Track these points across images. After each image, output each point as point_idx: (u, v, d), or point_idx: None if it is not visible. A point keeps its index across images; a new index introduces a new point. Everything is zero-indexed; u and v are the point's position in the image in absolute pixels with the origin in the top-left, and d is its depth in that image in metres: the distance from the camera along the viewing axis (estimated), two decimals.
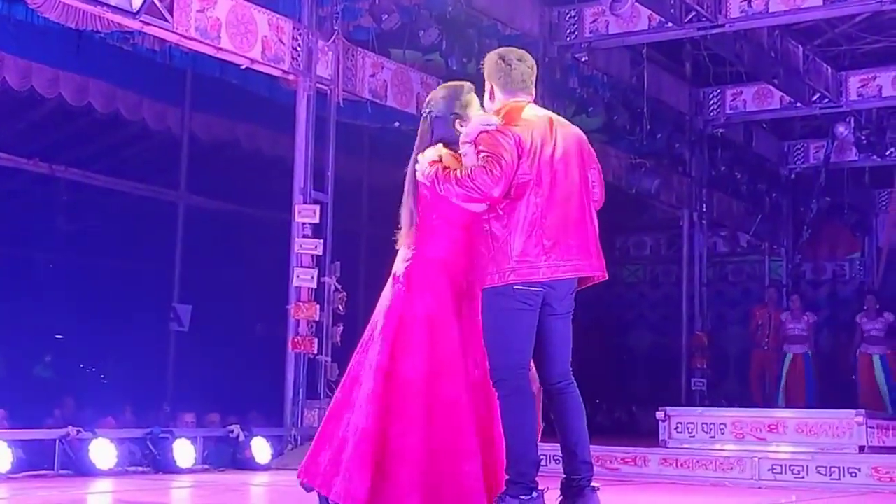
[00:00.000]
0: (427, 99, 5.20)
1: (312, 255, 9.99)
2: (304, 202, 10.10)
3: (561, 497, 4.86)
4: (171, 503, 7.21)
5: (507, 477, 4.71)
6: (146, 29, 8.93)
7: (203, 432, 9.19)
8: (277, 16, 9.95)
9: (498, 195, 4.69)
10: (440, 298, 4.87)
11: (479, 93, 5.08)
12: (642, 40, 12.94)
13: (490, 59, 5.04)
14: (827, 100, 14.65)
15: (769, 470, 8.71)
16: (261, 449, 9.02)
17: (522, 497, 4.66)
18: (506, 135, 4.73)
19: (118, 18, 8.57)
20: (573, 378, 4.94)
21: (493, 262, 4.73)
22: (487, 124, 4.80)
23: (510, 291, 4.71)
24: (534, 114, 4.92)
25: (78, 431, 7.98)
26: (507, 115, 4.85)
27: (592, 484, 4.86)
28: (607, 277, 4.92)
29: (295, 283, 9.94)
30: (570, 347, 4.95)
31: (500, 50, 5.13)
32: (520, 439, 4.72)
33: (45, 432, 8.15)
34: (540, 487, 4.72)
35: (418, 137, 5.04)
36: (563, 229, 4.77)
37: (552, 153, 4.80)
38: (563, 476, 4.87)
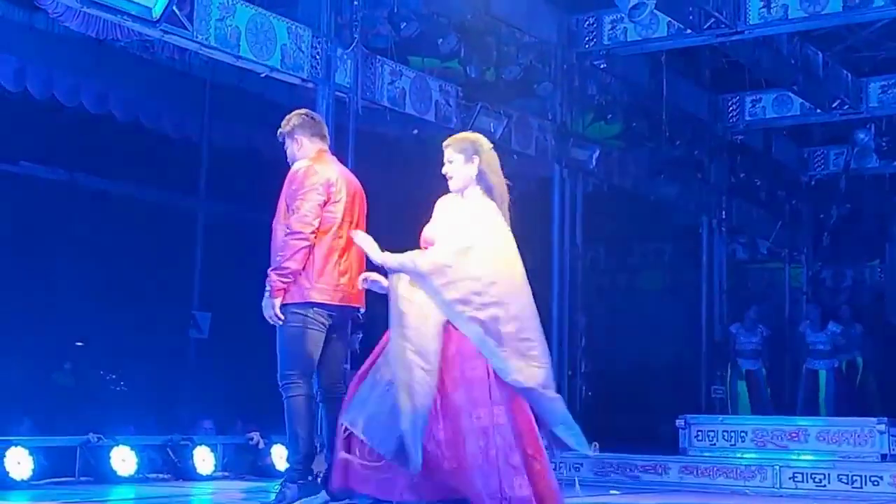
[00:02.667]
0: None
1: None
2: None
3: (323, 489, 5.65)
4: None
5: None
6: (166, 37, 8.96)
7: (223, 439, 9.20)
8: (296, 24, 9.97)
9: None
10: None
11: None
12: (661, 47, 12.91)
13: (297, 116, 6.10)
14: (847, 106, 14.59)
15: (790, 478, 8.68)
16: (281, 456, 9.02)
17: (301, 482, 5.71)
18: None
19: (138, 27, 8.61)
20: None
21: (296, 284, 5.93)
22: None
23: (308, 309, 5.85)
24: (332, 159, 6.07)
25: (99, 438, 8.00)
26: (320, 159, 5.96)
27: None
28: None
29: None
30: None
31: (302, 110, 6.25)
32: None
33: (66, 439, 8.17)
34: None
35: None
36: (354, 263, 5.88)
37: (351, 196, 5.96)
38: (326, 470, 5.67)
